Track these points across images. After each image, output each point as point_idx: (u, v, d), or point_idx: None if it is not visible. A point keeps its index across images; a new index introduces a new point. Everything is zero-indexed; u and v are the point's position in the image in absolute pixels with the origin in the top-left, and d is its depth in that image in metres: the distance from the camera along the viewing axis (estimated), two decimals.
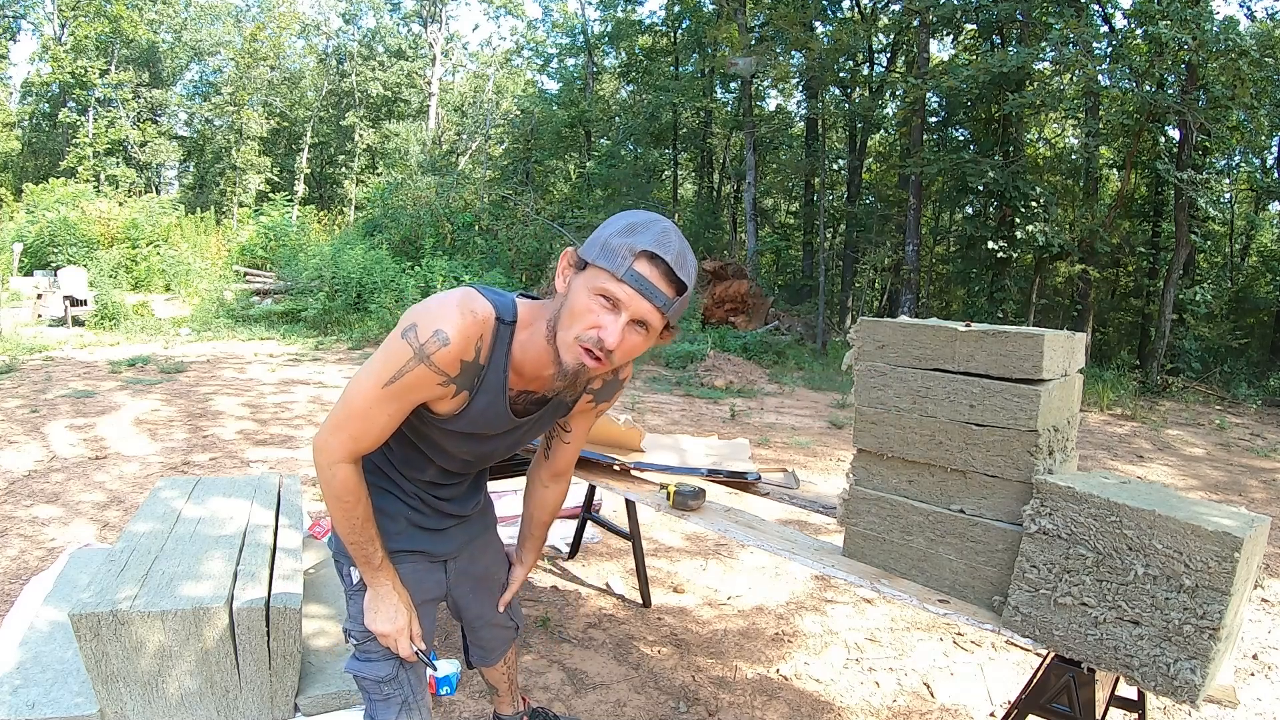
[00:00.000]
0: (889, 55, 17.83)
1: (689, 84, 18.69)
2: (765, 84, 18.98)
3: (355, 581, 1.54)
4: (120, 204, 17.98)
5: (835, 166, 17.68)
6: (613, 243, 1.20)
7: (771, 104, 21.00)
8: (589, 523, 3.56)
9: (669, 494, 2.22)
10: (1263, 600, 3.57)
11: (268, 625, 2.10)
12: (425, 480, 1.54)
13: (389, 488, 1.55)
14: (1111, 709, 1.92)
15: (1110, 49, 11.59)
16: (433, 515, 1.59)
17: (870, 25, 15.93)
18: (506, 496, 4.09)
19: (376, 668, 1.55)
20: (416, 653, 1.54)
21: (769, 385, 9.28)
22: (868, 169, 19.13)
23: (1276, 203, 17.08)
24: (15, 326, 9.90)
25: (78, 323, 10.82)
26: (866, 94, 16.78)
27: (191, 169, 28.60)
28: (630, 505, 3.08)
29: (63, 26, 24.91)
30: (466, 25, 62.74)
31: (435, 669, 1.71)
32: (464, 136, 24.69)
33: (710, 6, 17.44)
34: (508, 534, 3.78)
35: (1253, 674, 2.88)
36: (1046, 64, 11.92)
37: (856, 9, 16.67)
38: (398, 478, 1.54)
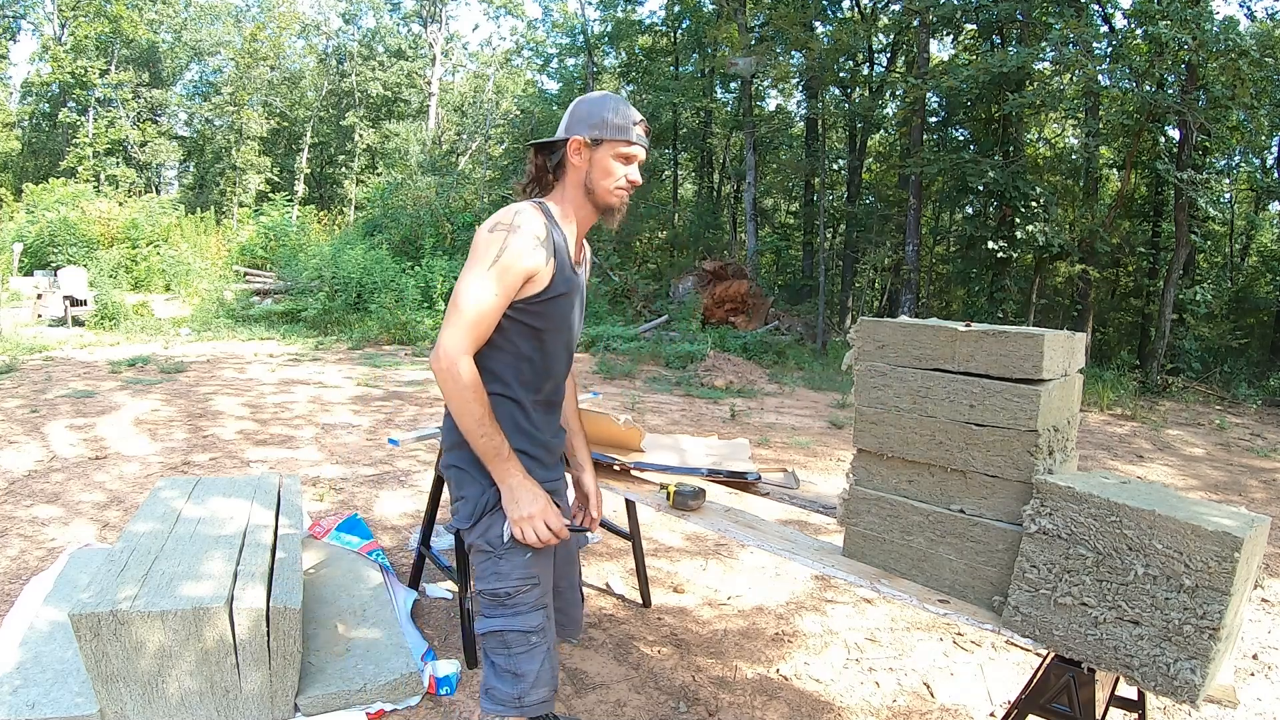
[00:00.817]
0: (889, 55, 17.83)
1: (689, 84, 18.69)
2: (765, 84, 18.98)
3: (506, 540, 1.64)
4: (120, 204, 18.00)
5: (835, 166, 17.69)
6: (616, 121, 1.66)
7: (771, 104, 21.00)
8: None
9: (669, 494, 2.22)
10: (1263, 600, 3.57)
11: (268, 625, 2.10)
12: (540, 400, 1.74)
13: (513, 421, 1.70)
14: (1111, 709, 1.92)
15: (1110, 49, 11.59)
16: (545, 450, 1.77)
17: (870, 25, 15.93)
18: None
19: (529, 618, 1.66)
20: (568, 525, 1.68)
21: (769, 385, 9.28)
22: (868, 169, 19.13)
23: (1276, 203, 17.09)
24: (15, 326, 9.90)
25: (78, 323, 10.83)
26: (866, 94, 16.78)
27: (191, 169, 28.60)
28: (630, 505, 3.08)
29: (63, 26, 24.91)
30: (466, 25, 62.75)
31: (588, 537, 1.80)
32: (464, 136, 24.70)
33: (710, 6, 17.44)
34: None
35: (1253, 674, 2.88)
36: (1046, 64, 11.92)
37: (856, 9, 16.67)
38: (519, 409, 1.70)
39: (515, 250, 1.55)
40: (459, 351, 1.53)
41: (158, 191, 25.26)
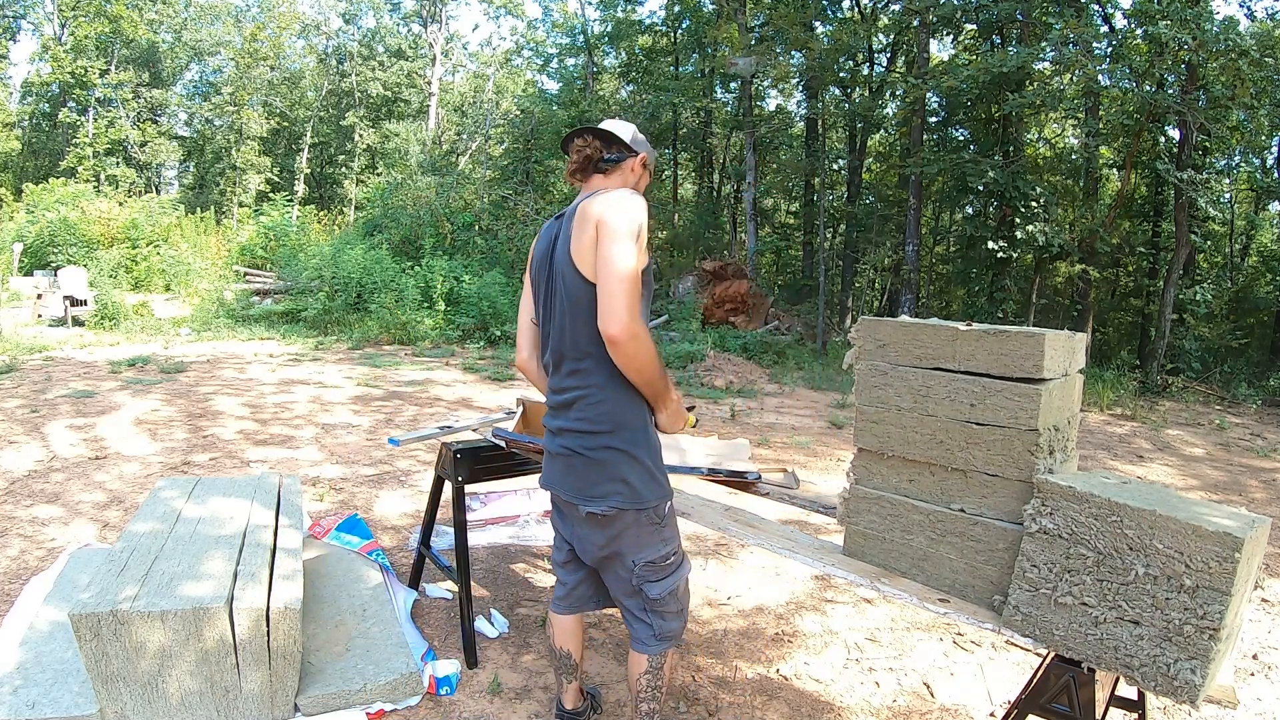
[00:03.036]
0: (889, 55, 17.82)
1: (689, 84, 18.68)
2: (765, 84, 18.97)
3: (667, 511, 1.90)
4: (120, 204, 17.98)
5: (835, 166, 17.68)
6: (649, 144, 2.02)
7: (771, 104, 20.98)
8: None
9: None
10: (1263, 600, 3.56)
11: (268, 625, 2.10)
12: None
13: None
14: (1111, 709, 1.92)
15: (1110, 49, 11.59)
16: None
17: (870, 25, 15.92)
18: (506, 496, 4.09)
19: (686, 565, 1.99)
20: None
21: (769, 385, 9.28)
22: (868, 169, 19.12)
23: (1276, 203, 17.08)
24: (15, 326, 9.90)
25: (78, 323, 10.82)
26: (866, 94, 16.77)
27: (191, 169, 28.59)
28: None
29: (63, 26, 24.90)
30: (466, 25, 62.70)
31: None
32: (464, 136, 24.66)
33: (710, 6, 17.43)
34: (507, 533, 3.79)
35: (1253, 674, 2.88)
36: (1046, 64, 11.91)
37: (856, 9, 16.66)
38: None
39: (645, 223, 1.75)
40: (634, 315, 1.67)
41: (158, 191, 25.24)
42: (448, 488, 2.79)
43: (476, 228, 15.36)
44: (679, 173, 21.51)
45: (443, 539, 3.41)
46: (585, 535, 1.92)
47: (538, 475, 3.07)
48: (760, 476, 2.58)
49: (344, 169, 28.22)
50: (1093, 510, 1.52)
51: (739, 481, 2.59)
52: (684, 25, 19.16)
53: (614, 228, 1.69)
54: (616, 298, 1.66)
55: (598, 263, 1.70)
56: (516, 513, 3.94)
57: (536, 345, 2.04)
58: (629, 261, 1.68)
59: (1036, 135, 16.52)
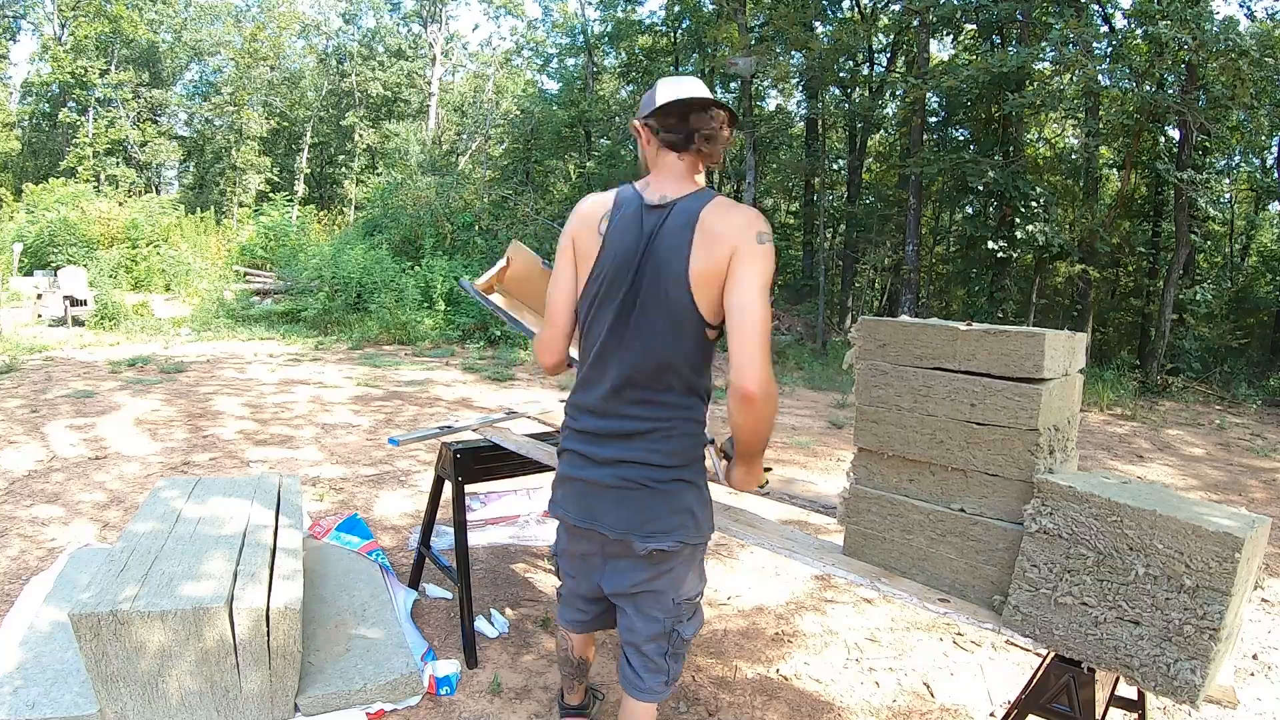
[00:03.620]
0: (889, 55, 17.81)
1: None
2: (765, 84, 18.96)
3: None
4: (120, 204, 17.98)
5: (835, 166, 17.67)
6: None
7: (771, 104, 20.97)
8: None
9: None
10: (1263, 600, 3.56)
11: (268, 625, 2.10)
12: None
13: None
14: (1111, 709, 1.92)
15: (1110, 49, 11.59)
16: None
17: (870, 25, 15.91)
18: (506, 496, 4.09)
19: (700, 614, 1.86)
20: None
21: None
22: (868, 169, 19.10)
23: (1276, 203, 17.08)
24: (15, 326, 9.90)
25: (78, 323, 10.82)
26: (866, 94, 16.76)
27: (191, 169, 28.58)
28: None
29: (63, 26, 24.90)
30: (466, 25, 62.70)
31: None
32: (464, 136, 24.66)
33: (710, 6, 17.42)
34: (507, 533, 3.79)
35: (1253, 674, 2.88)
36: (1046, 64, 11.91)
37: (856, 9, 16.65)
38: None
39: None
40: (771, 371, 1.52)
41: (158, 191, 25.23)
42: (448, 488, 2.79)
43: (476, 228, 15.36)
44: None
45: (443, 539, 3.41)
46: (624, 570, 1.72)
47: (538, 475, 3.08)
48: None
49: (344, 169, 28.21)
50: (1093, 510, 1.52)
51: None
52: (684, 25, 19.15)
53: (762, 270, 1.51)
54: (759, 351, 1.48)
55: (736, 305, 1.50)
56: (516, 513, 3.94)
57: (569, 338, 1.77)
58: (768, 310, 1.51)
59: (1036, 135, 16.51)
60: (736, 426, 1.59)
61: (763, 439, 1.64)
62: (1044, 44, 11.09)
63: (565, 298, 1.72)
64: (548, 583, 3.31)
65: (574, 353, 1.86)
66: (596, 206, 1.68)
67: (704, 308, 1.55)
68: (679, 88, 1.61)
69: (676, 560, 1.68)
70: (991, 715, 2.51)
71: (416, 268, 12.53)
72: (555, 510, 1.79)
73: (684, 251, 1.54)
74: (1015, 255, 12.34)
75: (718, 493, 2.81)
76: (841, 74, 15.67)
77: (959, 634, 3.05)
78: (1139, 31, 10.88)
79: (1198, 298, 11.17)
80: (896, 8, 15.15)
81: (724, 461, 1.84)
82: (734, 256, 1.51)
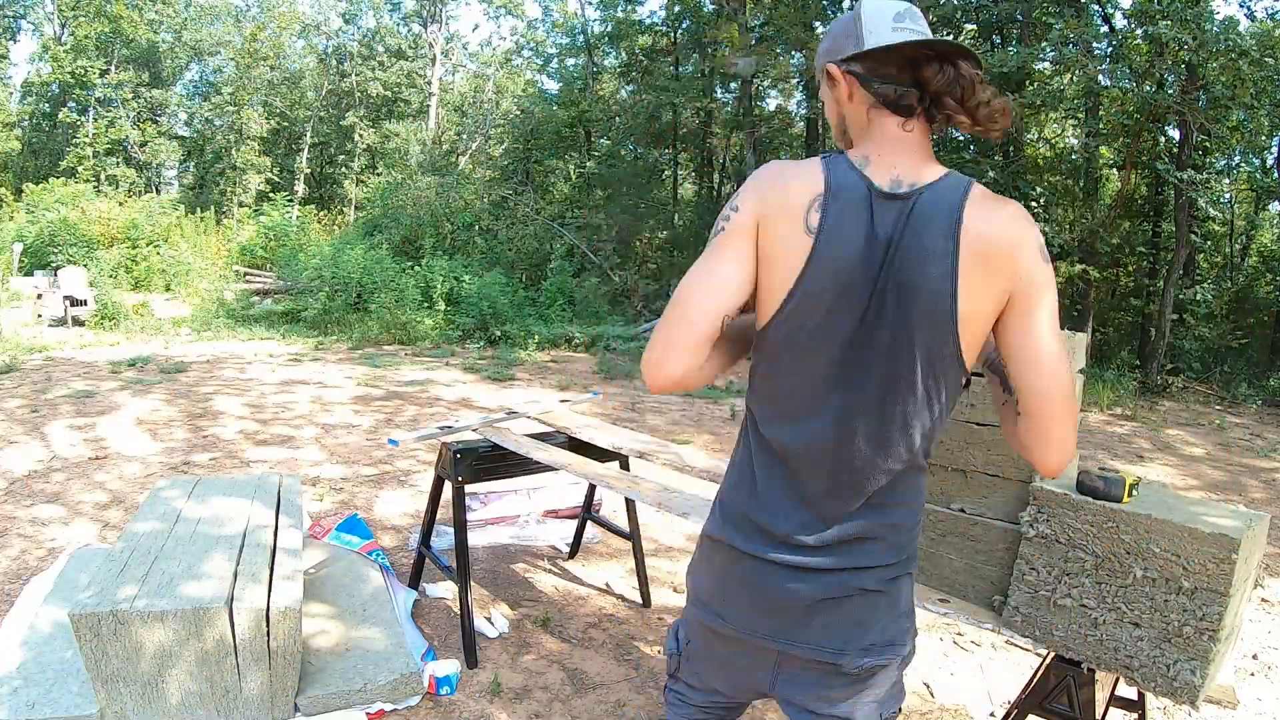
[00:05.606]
0: None
1: (689, 84, 18.67)
2: (765, 84, 18.96)
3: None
4: (120, 204, 17.99)
5: None
6: None
7: (771, 104, 20.97)
8: (589, 522, 3.56)
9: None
10: (1263, 600, 3.56)
11: (268, 625, 2.10)
12: None
13: None
14: (1111, 709, 1.92)
15: (1110, 49, 11.59)
16: None
17: None
18: (506, 496, 4.10)
19: None
20: None
21: None
22: None
23: (1276, 203, 17.07)
24: (15, 326, 9.90)
25: (78, 323, 10.82)
26: None
27: (191, 169, 28.56)
28: (630, 505, 3.08)
29: (63, 26, 24.91)
30: (466, 25, 62.60)
31: None
32: (464, 136, 24.67)
33: (710, 6, 17.42)
34: (507, 533, 3.79)
35: (1253, 674, 2.88)
36: (1046, 64, 11.91)
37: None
38: None
39: None
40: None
41: (158, 191, 25.23)
42: (448, 488, 2.79)
43: (476, 228, 15.37)
44: (679, 173, 21.50)
45: (443, 539, 3.41)
46: (809, 683, 1.18)
47: (537, 475, 3.09)
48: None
49: (344, 169, 28.20)
50: (1089, 517, 1.52)
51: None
52: (684, 25, 19.16)
53: (1054, 302, 1.06)
54: (1072, 421, 1.06)
55: (1035, 359, 1.05)
56: (516, 513, 3.94)
57: (712, 342, 1.10)
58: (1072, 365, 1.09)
59: (1036, 135, 16.50)
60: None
61: None
62: (1044, 44, 11.09)
63: (723, 298, 1.08)
64: (548, 583, 3.31)
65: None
66: (800, 185, 1.07)
67: (969, 355, 1.08)
68: (900, 21, 1.07)
69: (893, 671, 1.19)
70: (991, 715, 2.51)
71: (416, 268, 12.53)
72: (700, 613, 1.23)
73: (948, 275, 1.03)
74: None
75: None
76: None
77: (959, 634, 3.05)
78: (1139, 31, 10.88)
79: (1198, 298, 11.17)
80: None
81: None
82: (1018, 284, 1.04)
